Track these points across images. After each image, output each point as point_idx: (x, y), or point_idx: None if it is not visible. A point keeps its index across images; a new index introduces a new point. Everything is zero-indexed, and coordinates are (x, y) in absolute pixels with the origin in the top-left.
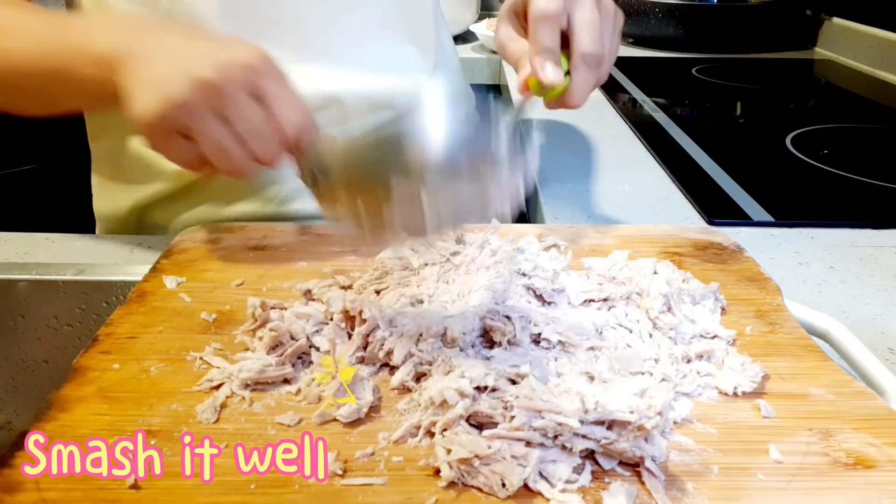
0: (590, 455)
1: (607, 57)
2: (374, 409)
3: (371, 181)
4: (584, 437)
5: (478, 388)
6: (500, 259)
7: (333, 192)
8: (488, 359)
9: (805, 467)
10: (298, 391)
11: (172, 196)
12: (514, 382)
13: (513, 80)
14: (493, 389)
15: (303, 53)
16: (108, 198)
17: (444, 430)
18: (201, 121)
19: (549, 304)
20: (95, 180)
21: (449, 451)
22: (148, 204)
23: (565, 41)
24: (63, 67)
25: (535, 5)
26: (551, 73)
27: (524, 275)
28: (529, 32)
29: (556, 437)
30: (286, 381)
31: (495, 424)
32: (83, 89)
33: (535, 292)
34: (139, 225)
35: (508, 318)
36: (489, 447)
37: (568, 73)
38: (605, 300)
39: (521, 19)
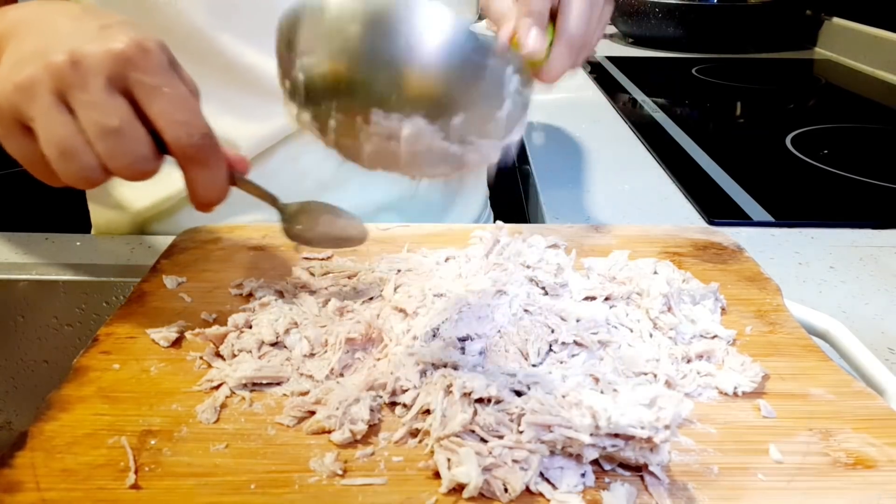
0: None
1: (589, 45)
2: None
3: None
4: (591, 445)
5: (479, 401)
6: (507, 255)
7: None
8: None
9: (805, 467)
10: (303, 393)
11: (175, 207)
12: (518, 393)
13: None
14: (498, 401)
15: None
16: (105, 214)
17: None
18: (39, 109)
19: (553, 296)
20: (90, 198)
21: (449, 461)
22: (148, 218)
23: (553, 16)
24: None
25: None
26: (534, 40)
27: (528, 267)
28: None
29: (563, 447)
30: (279, 383)
31: (501, 437)
32: None
33: (538, 284)
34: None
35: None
36: (489, 452)
37: (549, 46)
38: (607, 298)
39: None
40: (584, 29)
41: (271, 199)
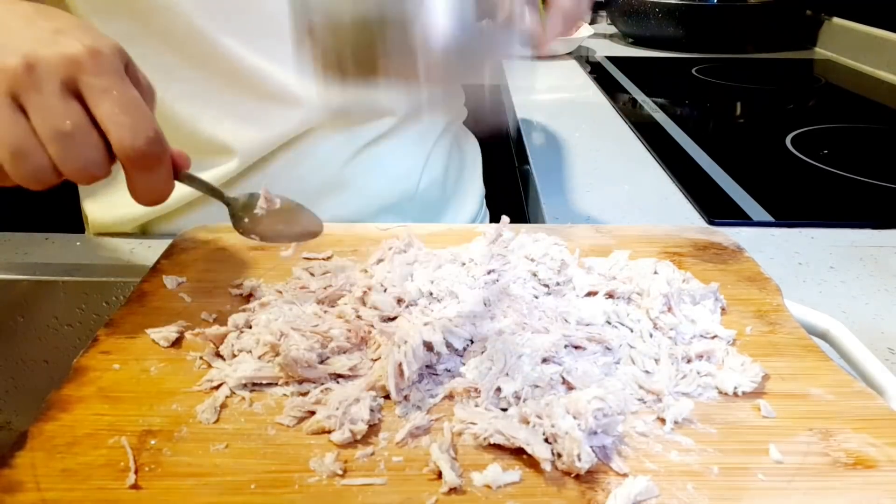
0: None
1: (580, 13)
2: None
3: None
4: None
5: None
6: (512, 248)
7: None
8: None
9: (805, 467)
10: (303, 393)
11: (176, 211)
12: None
13: (513, 80)
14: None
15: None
16: (104, 216)
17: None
18: None
19: (555, 293)
20: (87, 200)
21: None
22: (151, 220)
23: None
24: None
25: None
26: (530, 24)
27: (532, 260)
28: None
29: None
30: (279, 383)
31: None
32: None
33: (540, 280)
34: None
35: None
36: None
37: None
38: (609, 295)
39: None
40: (576, 6)
41: (217, 194)
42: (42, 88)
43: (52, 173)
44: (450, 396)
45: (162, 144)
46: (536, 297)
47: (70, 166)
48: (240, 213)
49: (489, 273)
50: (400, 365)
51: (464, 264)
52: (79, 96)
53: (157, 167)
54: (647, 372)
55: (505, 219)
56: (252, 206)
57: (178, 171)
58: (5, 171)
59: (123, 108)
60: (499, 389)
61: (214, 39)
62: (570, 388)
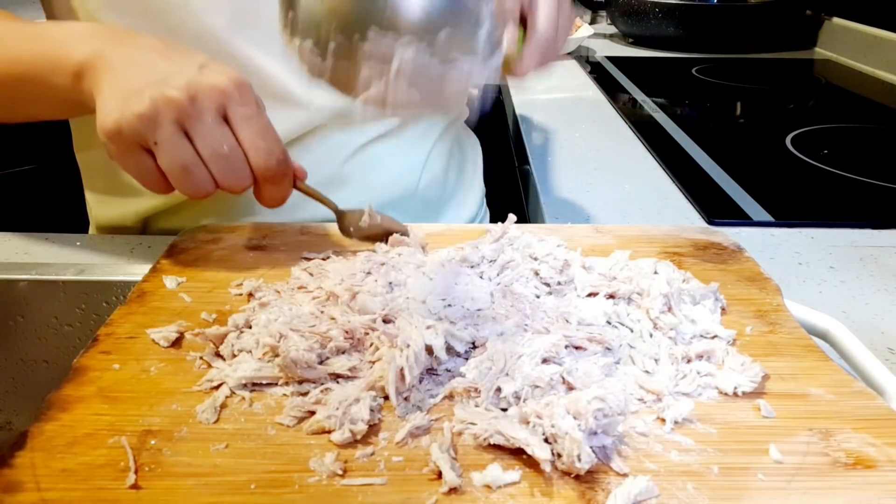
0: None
1: (556, 46)
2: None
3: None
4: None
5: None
6: (517, 247)
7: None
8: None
9: (805, 467)
10: (303, 393)
11: (180, 206)
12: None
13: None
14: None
15: None
16: (107, 210)
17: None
18: (163, 135)
19: (556, 292)
20: (90, 194)
21: (455, 459)
22: (153, 214)
23: (522, 19)
24: (35, 76)
25: None
26: (507, 39)
27: (535, 259)
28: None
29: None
30: (279, 383)
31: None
32: (55, 98)
33: (541, 279)
34: (145, 233)
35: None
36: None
37: (521, 44)
38: (611, 296)
39: None
40: (552, 31)
41: (328, 203)
42: (202, 117)
43: (211, 186)
44: (450, 396)
45: (288, 164)
46: (538, 297)
47: (226, 181)
48: (345, 220)
49: (499, 273)
50: (401, 370)
51: (473, 266)
52: (226, 122)
53: (282, 183)
54: (647, 372)
55: (511, 217)
56: (354, 216)
57: (297, 183)
58: (170, 183)
59: (261, 134)
60: (499, 389)
61: (224, 39)
62: (571, 388)
